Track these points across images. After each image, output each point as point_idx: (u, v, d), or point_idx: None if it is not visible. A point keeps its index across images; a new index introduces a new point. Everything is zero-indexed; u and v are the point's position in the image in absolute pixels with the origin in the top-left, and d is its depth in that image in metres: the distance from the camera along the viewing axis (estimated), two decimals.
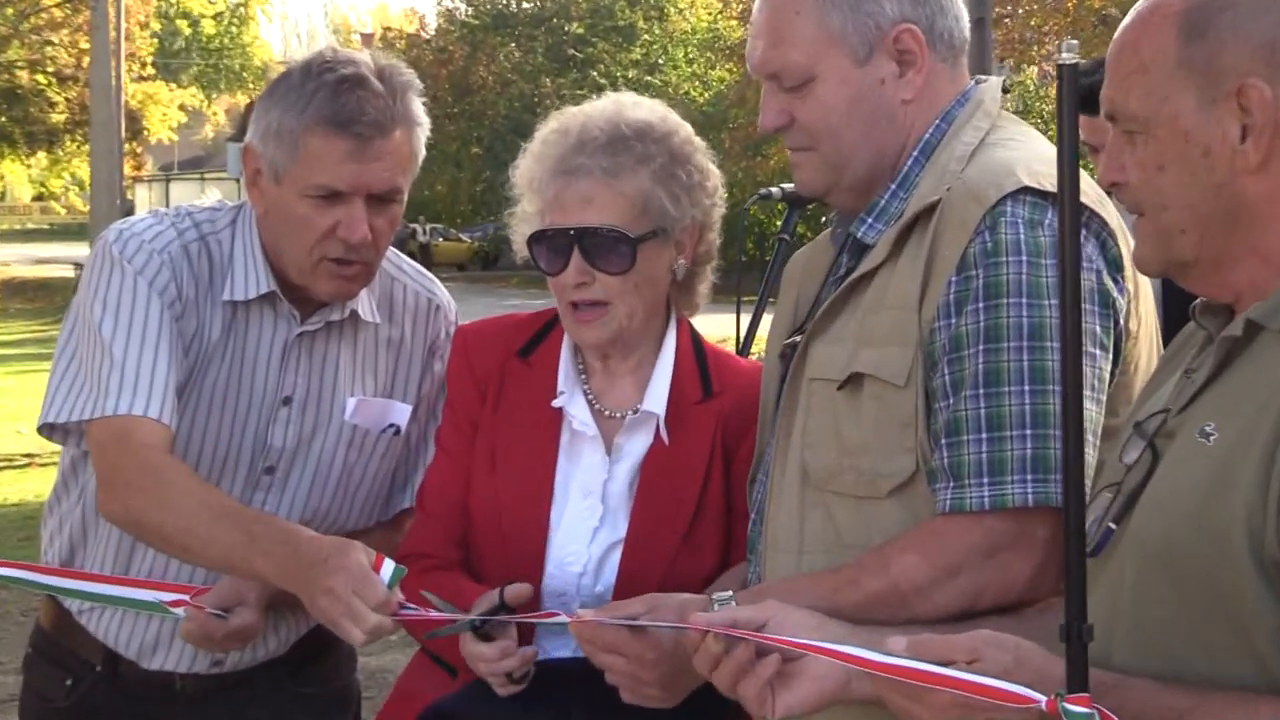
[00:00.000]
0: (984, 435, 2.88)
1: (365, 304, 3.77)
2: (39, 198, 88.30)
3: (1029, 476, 2.85)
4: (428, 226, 69.57)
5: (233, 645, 3.61)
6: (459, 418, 3.56)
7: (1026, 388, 2.88)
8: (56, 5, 61.73)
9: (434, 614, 3.22)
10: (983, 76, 3.28)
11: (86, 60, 49.92)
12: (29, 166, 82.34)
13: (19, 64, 62.78)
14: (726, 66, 53.54)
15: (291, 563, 3.25)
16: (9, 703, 8.44)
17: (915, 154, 3.15)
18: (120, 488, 3.48)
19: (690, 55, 57.28)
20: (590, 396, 3.48)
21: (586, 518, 3.41)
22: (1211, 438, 2.31)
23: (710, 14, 57.98)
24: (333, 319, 3.73)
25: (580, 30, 56.95)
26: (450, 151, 59.91)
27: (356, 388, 3.80)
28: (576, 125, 3.39)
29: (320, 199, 3.50)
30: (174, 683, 3.81)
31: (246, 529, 3.36)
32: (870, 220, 3.14)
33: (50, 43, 62.70)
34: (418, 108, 3.62)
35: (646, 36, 57.50)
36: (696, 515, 3.40)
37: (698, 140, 3.48)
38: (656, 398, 3.44)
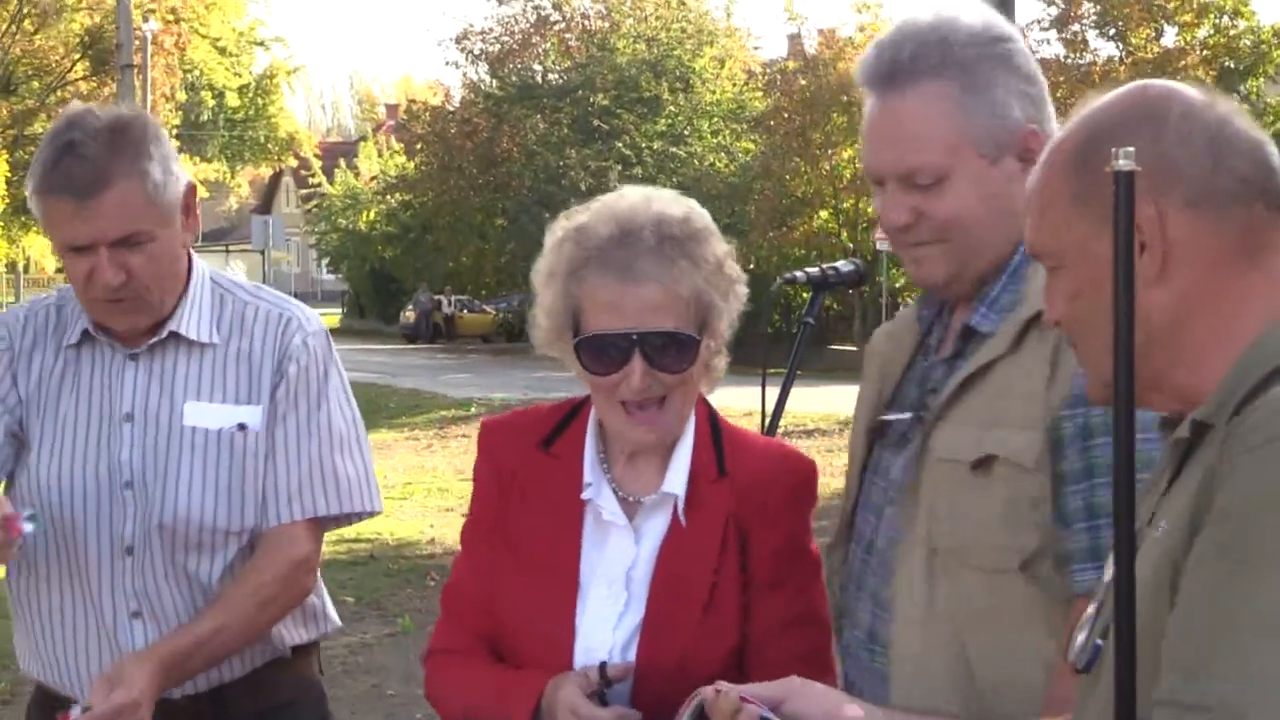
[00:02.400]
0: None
1: (193, 324, 3.98)
2: (60, 270, 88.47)
3: None
4: (452, 298, 69.79)
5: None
6: (480, 515, 3.58)
7: None
8: (83, 78, 62.22)
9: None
10: None
11: None
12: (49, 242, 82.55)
13: (43, 136, 62.96)
14: (751, 138, 53.64)
15: None
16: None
17: (1024, 249, 3.21)
18: None
19: (715, 126, 57.33)
20: (613, 485, 3.49)
21: (611, 604, 3.43)
22: (1160, 533, 2.40)
23: (735, 86, 58.14)
24: (153, 342, 3.95)
25: (605, 101, 56.93)
26: (475, 223, 60.10)
27: (203, 399, 3.97)
28: (613, 222, 3.39)
29: (70, 252, 3.78)
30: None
31: None
32: (985, 310, 3.25)
33: None
34: (142, 154, 3.77)
35: (672, 108, 57.50)
36: (713, 592, 3.41)
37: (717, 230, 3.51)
38: (677, 479, 3.44)
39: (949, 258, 3.25)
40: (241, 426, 3.95)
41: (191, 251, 4.02)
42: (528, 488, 3.50)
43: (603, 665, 3.27)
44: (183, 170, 3.91)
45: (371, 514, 4.15)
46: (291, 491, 3.98)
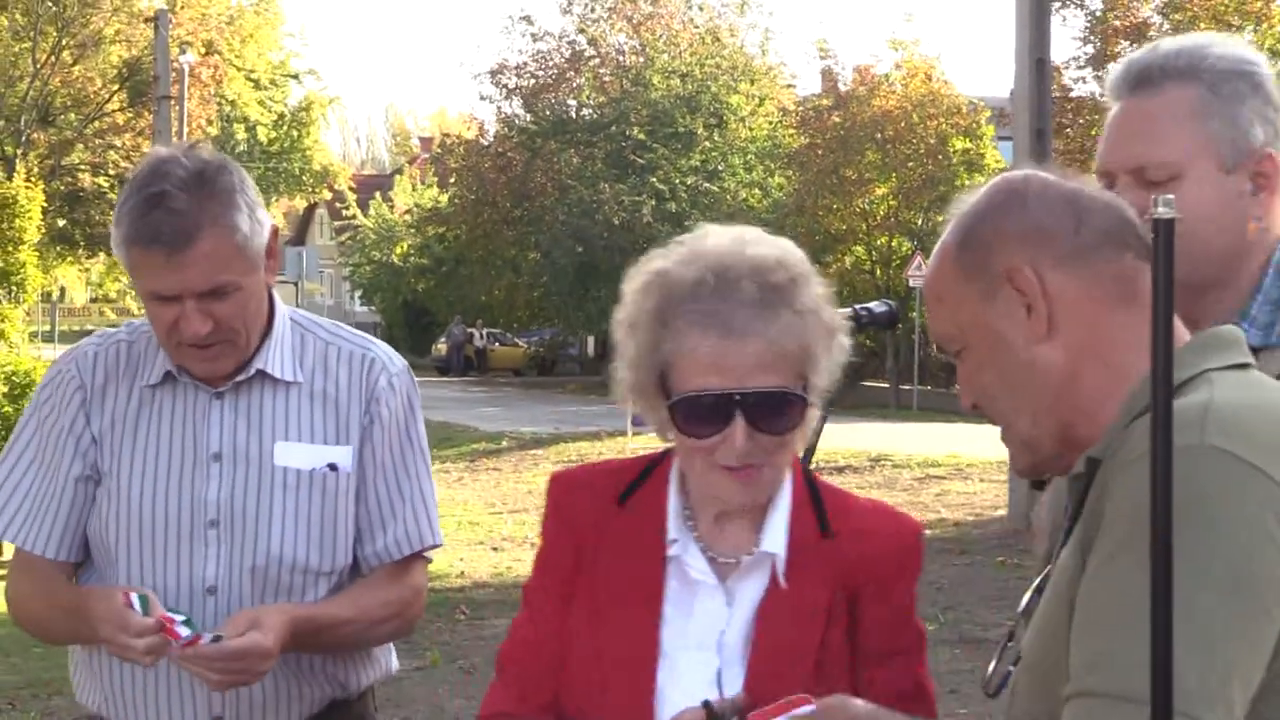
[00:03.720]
0: None
1: (277, 363, 3.96)
2: (94, 300, 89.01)
3: None
4: (484, 331, 70.00)
5: (235, 671, 3.63)
6: (549, 578, 3.34)
7: None
8: (120, 110, 62.52)
9: (205, 648, 3.59)
10: None
11: None
12: (86, 270, 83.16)
13: (81, 167, 63.53)
14: (785, 174, 53.72)
15: (90, 626, 3.71)
16: None
17: (1273, 271, 3.26)
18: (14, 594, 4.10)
19: (749, 162, 57.44)
20: (701, 544, 3.24)
21: (703, 670, 3.19)
22: (1059, 564, 2.60)
23: (770, 123, 58.22)
24: (242, 379, 3.93)
25: (640, 136, 56.96)
26: (508, 257, 60.19)
27: (292, 438, 3.94)
28: (706, 269, 3.12)
29: (156, 300, 3.76)
30: None
31: (73, 608, 3.85)
32: (1245, 326, 3.18)
33: (113, 146, 63.44)
34: (230, 204, 3.76)
35: (706, 143, 57.55)
36: (820, 661, 3.17)
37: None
38: (775, 539, 3.19)
39: None
40: (333, 467, 3.93)
41: (273, 290, 4.00)
42: (602, 545, 3.27)
43: (706, 704, 3.01)
44: (266, 215, 3.90)
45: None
46: (407, 531, 4.04)
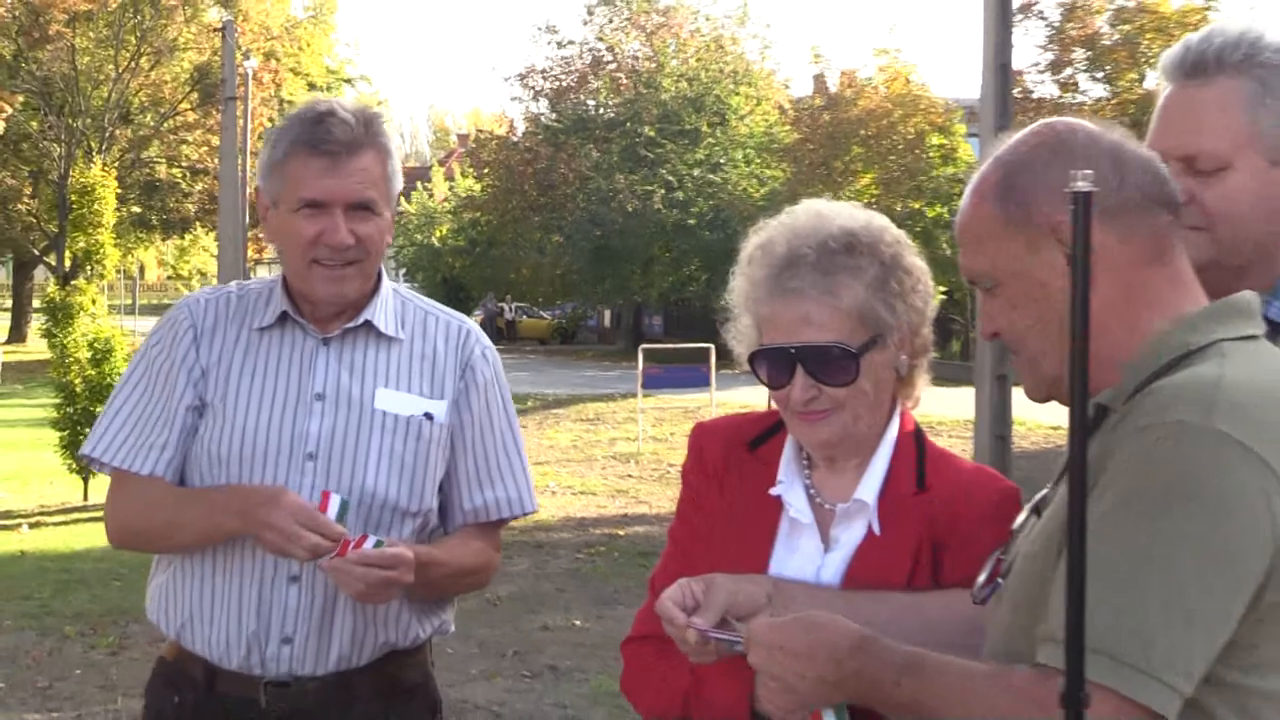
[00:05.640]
0: None
1: (382, 318, 3.97)
2: (170, 278, 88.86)
3: None
4: (513, 305, 69.97)
5: (381, 580, 3.60)
6: (687, 508, 3.37)
7: None
8: (191, 109, 62.52)
9: (370, 551, 3.56)
10: None
11: (216, 157, 50.51)
12: (161, 253, 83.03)
13: (158, 160, 63.54)
14: (780, 166, 53.48)
15: (244, 512, 3.68)
16: None
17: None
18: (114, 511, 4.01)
19: (748, 156, 57.23)
20: (811, 490, 3.24)
21: None
22: (1055, 505, 2.54)
23: (767, 121, 58.02)
24: (350, 327, 3.93)
25: (651, 133, 56.91)
26: (534, 240, 60.04)
27: (391, 386, 3.93)
28: (783, 242, 3.16)
29: (306, 211, 3.75)
30: (259, 697, 3.83)
31: (206, 502, 3.78)
32: (1276, 305, 3.12)
33: (185, 141, 63.60)
34: (386, 137, 3.87)
35: (710, 139, 57.42)
36: None
37: (904, 238, 3.24)
38: (870, 488, 3.18)
39: (1210, 244, 3.07)
40: (429, 416, 3.92)
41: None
42: (729, 484, 3.28)
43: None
44: (401, 175, 3.96)
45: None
46: (509, 496, 4.05)
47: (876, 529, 3.15)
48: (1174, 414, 2.36)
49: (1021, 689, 2.37)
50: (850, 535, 3.17)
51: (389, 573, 3.59)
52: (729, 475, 3.29)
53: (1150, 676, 2.26)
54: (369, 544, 3.58)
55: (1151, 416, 2.37)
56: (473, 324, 4.14)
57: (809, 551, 3.18)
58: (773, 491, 3.22)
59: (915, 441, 3.25)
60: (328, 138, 3.72)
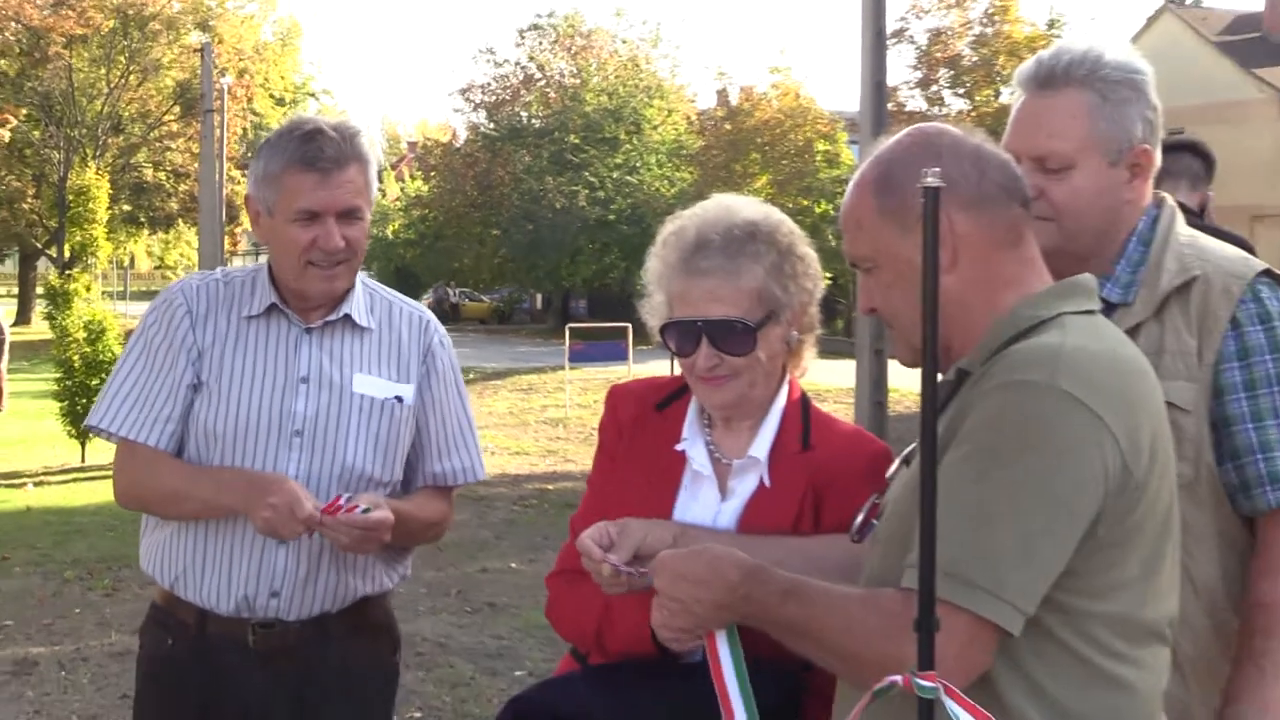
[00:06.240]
0: None
1: (359, 311, 3.91)
2: (156, 267, 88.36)
3: None
4: (457, 290, 69.82)
5: (365, 538, 3.61)
6: (603, 459, 3.37)
7: None
8: (174, 120, 62.20)
9: (357, 516, 3.55)
10: (1161, 193, 3.35)
11: (196, 162, 50.24)
12: (148, 245, 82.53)
13: (145, 164, 63.29)
14: (688, 169, 53.63)
15: (246, 492, 3.62)
16: (127, 655, 8.50)
17: (1134, 241, 3.21)
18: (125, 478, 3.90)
19: (660, 161, 57.35)
20: (711, 446, 3.25)
21: None
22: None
23: (677, 130, 58.20)
24: (331, 319, 3.87)
25: (576, 141, 56.95)
26: (475, 233, 59.97)
27: (366, 372, 3.89)
28: (694, 229, 3.16)
29: (301, 221, 3.70)
30: (247, 637, 3.79)
31: (214, 479, 3.72)
32: (1110, 285, 3.16)
33: (169, 148, 63.40)
34: (366, 149, 3.80)
35: (627, 146, 57.52)
36: None
37: (797, 230, 3.25)
38: (762, 446, 3.19)
39: (1056, 233, 3.10)
40: (399, 399, 3.88)
41: None
42: (639, 439, 3.28)
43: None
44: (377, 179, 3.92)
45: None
46: (463, 465, 4.02)
47: (767, 482, 3.16)
48: (1022, 374, 2.38)
49: (888, 608, 2.38)
50: (744, 486, 3.18)
51: (372, 533, 3.60)
52: (639, 431, 3.29)
53: (997, 597, 2.28)
54: (359, 511, 3.58)
55: (1003, 376, 2.40)
56: (430, 314, 4.10)
57: (708, 500, 3.18)
58: (678, 447, 3.23)
59: (801, 406, 3.26)
60: (320, 155, 3.67)
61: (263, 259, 4.05)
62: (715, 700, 2.68)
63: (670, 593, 2.62)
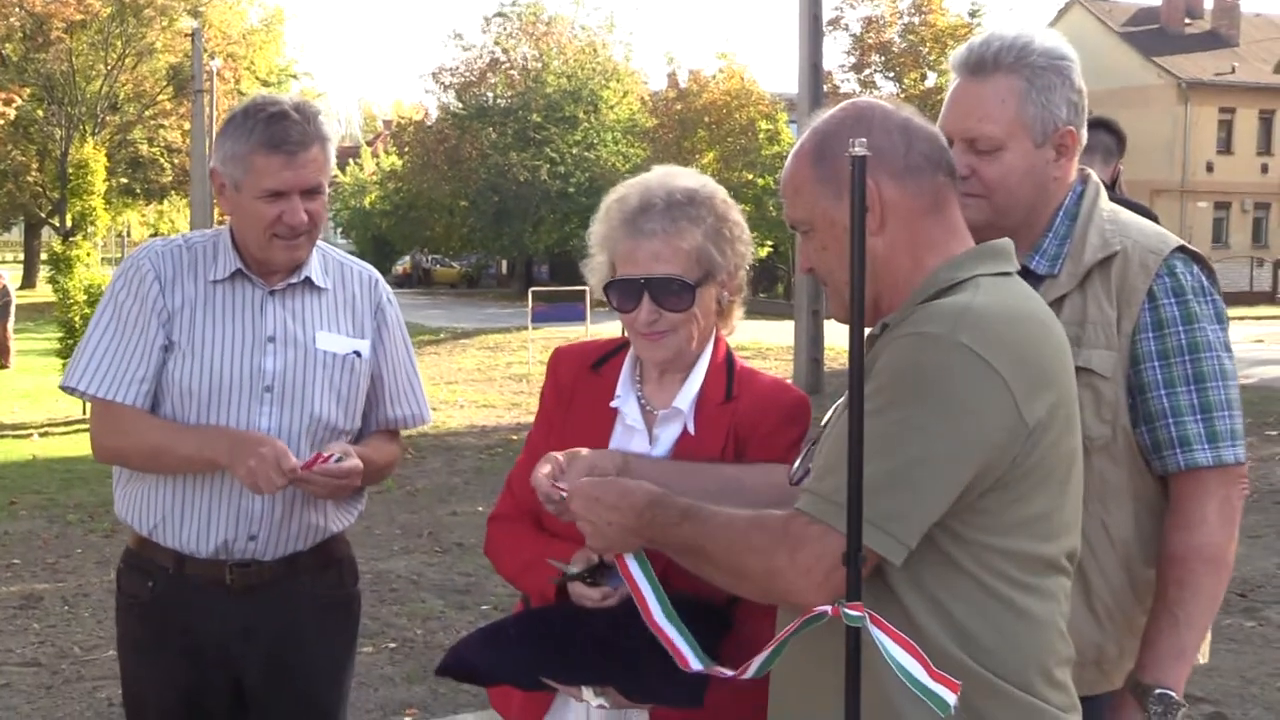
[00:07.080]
0: (1198, 416, 3.04)
1: (317, 273, 3.88)
2: (151, 235, 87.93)
3: (1235, 443, 3.06)
4: (429, 256, 69.67)
5: (338, 486, 3.63)
6: (542, 419, 3.34)
7: (1222, 383, 3.07)
8: (167, 100, 61.84)
9: (333, 466, 3.56)
10: (1086, 169, 3.33)
11: (188, 139, 49.87)
12: (144, 215, 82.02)
13: (140, 140, 62.92)
14: (641, 146, 53.54)
15: (229, 447, 3.59)
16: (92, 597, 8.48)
17: (1061, 216, 3.18)
18: (103, 435, 3.83)
19: (616, 138, 57.27)
20: (642, 400, 3.22)
21: None
22: (844, 400, 2.51)
23: (631, 109, 58.08)
24: (292, 282, 3.83)
25: (538, 119, 56.80)
26: (445, 204, 59.82)
27: (327, 330, 3.87)
28: (637, 195, 3.12)
29: (268, 198, 3.66)
30: (224, 576, 3.78)
31: (197, 435, 3.67)
32: (1038, 258, 3.15)
33: (162, 125, 63.08)
34: (326, 128, 3.75)
35: (585, 124, 57.40)
36: None
37: (730, 199, 3.23)
38: (686, 398, 3.17)
39: (986, 210, 3.09)
40: (357, 354, 3.87)
41: None
42: (576, 399, 3.25)
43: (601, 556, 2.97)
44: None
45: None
46: (412, 412, 4.03)
47: (691, 430, 3.14)
48: (925, 327, 2.39)
49: (771, 526, 2.40)
50: (669, 434, 3.16)
51: (344, 481, 3.62)
52: (576, 391, 3.27)
53: (880, 529, 2.29)
54: (333, 460, 3.58)
55: (909, 328, 2.41)
56: (376, 272, 4.09)
57: (637, 447, 3.16)
58: (612, 404, 3.21)
59: (727, 361, 3.25)
60: (286, 139, 3.62)
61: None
62: (641, 636, 2.68)
63: (585, 515, 2.65)
